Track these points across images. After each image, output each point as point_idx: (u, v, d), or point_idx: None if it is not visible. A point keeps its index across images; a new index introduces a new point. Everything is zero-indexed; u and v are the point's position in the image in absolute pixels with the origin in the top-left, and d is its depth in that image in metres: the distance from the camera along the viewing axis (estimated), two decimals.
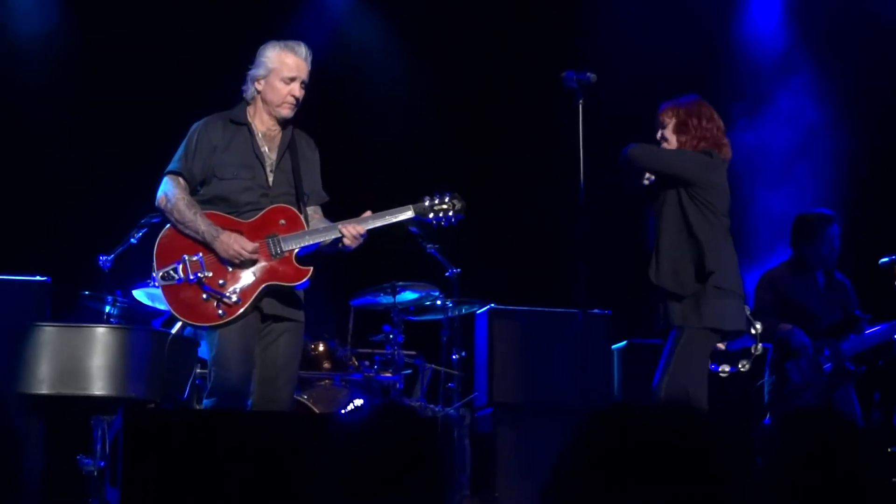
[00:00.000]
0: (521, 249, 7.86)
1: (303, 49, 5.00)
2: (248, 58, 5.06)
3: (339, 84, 7.87)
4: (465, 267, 6.72)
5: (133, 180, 7.16)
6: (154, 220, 5.86)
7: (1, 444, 1.59)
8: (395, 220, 4.95)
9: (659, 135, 5.27)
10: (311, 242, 4.88)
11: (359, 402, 6.68)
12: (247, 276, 4.82)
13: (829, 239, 6.25)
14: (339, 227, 4.86)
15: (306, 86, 5.00)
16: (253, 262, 4.83)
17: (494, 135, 8.32)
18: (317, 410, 6.39)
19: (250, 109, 5.02)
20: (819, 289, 6.32)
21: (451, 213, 5.00)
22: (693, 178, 5.09)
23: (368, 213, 4.93)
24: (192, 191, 4.94)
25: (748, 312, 5.16)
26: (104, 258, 5.95)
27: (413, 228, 5.01)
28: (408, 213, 4.97)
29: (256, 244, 4.82)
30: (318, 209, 5.08)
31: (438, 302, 6.76)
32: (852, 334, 6.13)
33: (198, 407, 5.58)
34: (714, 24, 8.28)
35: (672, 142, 5.21)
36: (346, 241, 4.84)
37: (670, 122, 5.22)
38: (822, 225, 6.25)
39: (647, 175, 5.26)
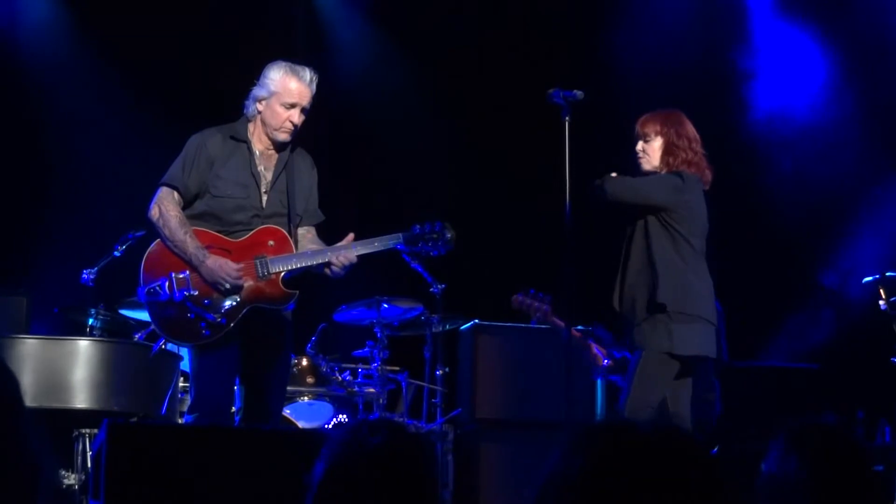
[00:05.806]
0: (506, 266, 7.86)
1: (307, 74, 4.91)
2: (249, 75, 4.97)
3: (333, 103, 7.88)
4: (449, 283, 6.72)
5: (115, 196, 7.16)
6: (138, 235, 5.83)
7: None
8: (383, 247, 4.89)
9: (640, 147, 5.17)
10: (299, 266, 4.81)
11: (342, 417, 6.68)
12: (232, 297, 4.76)
13: None
14: (330, 255, 4.80)
15: (307, 112, 4.92)
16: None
17: (480, 152, 8.33)
18: (299, 425, 6.38)
19: (251, 127, 4.95)
20: None
21: (440, 243, 4.95)
22: (666, 203, 5.03)
23: (351, 235, 4.85)
24: (186, 204, 4.86)
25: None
26: (87, 272, 5.92)
27: (399, 244, 4.97)
28: (396, 242, 4.92)
29: (241, 266, 4.74)
30: (312, 229, 5.01)
31: (423, 318, 6.77)
32: None
33: (179, 421, 5.56)
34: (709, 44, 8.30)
35: (654, 159, 5.14)
36: (335, 269, 4.77)
37: (656, 140, 5.13)
38: None
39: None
